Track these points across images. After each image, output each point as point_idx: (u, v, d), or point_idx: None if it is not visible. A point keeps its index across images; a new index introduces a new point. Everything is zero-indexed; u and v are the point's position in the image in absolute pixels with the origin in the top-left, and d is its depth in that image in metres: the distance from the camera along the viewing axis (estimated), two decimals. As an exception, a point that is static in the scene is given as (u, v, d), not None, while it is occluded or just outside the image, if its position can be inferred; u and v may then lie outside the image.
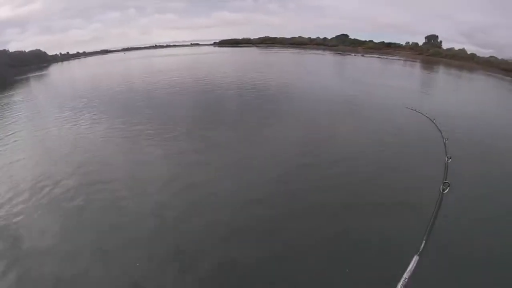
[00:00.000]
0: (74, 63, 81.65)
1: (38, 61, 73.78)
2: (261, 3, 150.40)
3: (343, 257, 5.55)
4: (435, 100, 20.09)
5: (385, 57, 59.93)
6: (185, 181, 8.68)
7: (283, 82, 25.40)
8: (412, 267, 2.29)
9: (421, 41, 69.34)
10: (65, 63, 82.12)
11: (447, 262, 5.15)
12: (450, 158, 5.19)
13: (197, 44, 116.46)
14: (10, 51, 73.26)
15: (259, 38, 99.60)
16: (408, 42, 71.49)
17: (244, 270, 5.36)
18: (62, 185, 8.74)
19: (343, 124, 14.25)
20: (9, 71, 54.59)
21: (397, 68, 45.23)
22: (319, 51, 71.44)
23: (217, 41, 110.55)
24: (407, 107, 15.25)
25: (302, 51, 73.41)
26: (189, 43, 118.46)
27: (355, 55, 63.71)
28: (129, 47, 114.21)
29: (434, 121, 10.02)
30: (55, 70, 62.90)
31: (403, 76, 35.47)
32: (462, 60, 51.69)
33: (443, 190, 3.55)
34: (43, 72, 55.14)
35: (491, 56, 50.04)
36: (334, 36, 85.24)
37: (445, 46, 64.15)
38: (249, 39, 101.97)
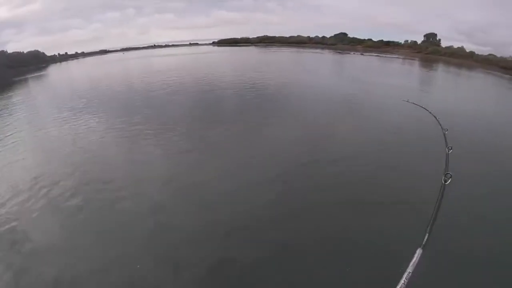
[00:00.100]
0: (72, 63, 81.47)
1: (36, 61, 73.52)
2: (260, 2, 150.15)
3: (346, 253, 5.56)
4: (434, 98, 20.11)
5: (384, 55, 59.90)
6: (184, 180, 8.68)
7: (282, 81, 25.38)
8: (415, 260, 2.30)
9: (420, 39, 69.37)
10: (64, 63, 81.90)
11: (452, 254, 5.17)
12: (451, 149, 5.19)
13: (196, 44, 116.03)
14: (8, 52, 73.14)
15: (258, 37, 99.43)
16: (407, 41, 71.49)
17: (243, 269, 5.36)
18: (61, 185, 8.73)
19: (342, 121, 14.27)
20: (7, 72, 54.48)
21: (396, 66, 45.26)
22: (318, 50, 71.37)
23: (216, 40, 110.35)
24: (403, 100, 15.30)
25: (301, 50, 73.36)
26: (188, 43, 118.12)
27: (354, 53, 63.65)
28: (128, 47, 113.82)
29: (431, 112, 10.07)
30: (53, 70, 62.71)
31: (402, 74, 35.48)
32: (461, 58, 51.69)
33: (445, 181, 3.55)
34: (41, 73, 54.96)
35: (490, 54, 50.09)
36: (333, 35, 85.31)
37: (444, 44, 64.16)
38: (248, 38, 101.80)
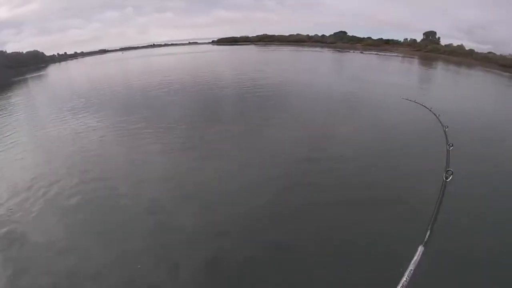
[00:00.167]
0: (72, 63, 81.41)
1: (35, 61, 73.42)
2: (260, 1, 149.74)
3: (347, 253, 5.57)
4: (433, 96, 20.09)
5: (383, 53, 59.81)
6: (184, 180, 8.70)
7: (282, 80, 25.37)
8: (417, 258, 2.29)
9: (419, 37, 69.30)
10: (63, 63, 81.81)
11: (454, 252, 5.16)
12: (452, 146, 5.17)
13: (196, 43, 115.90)
14: (8, 52, 73.03)
15: (257, 36, 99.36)
16: (407, 39, 71.38)
17: (243, 270, 5.37)
18: (61, 185, 8.74)
19: (342, 120, 14.29)
20: (6, 72, 54.47)
21: (396, 64, 45.23)
22: (317, 49, 71.32)
23: (216, 39, 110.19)
24: (402, 98, 15.31)
25: (301, 48, 73.26)
26: (187, 42, 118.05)
27: (353, 52, 63.61)
28: (127, 46, 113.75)
29: (431, 109, 10.08)
30: (53, 70, 62.69)
31: (402, 73, 35.49)
32: (460, 56, 51.63)
33: (446, 178, 3.54)
34: (41, 73, 54.93)
35: (489, 52, 49.96)
36: (332, 33, 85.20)
37: (443, 42, 64.11)
38: (248, 37, 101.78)
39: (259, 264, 5.45)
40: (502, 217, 6.43)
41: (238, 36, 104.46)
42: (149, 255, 5.78)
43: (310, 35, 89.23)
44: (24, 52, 77.05)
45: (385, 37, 74.81)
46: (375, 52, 61.37)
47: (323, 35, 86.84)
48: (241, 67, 37.05)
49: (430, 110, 10.09)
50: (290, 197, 7.62)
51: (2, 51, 71.55)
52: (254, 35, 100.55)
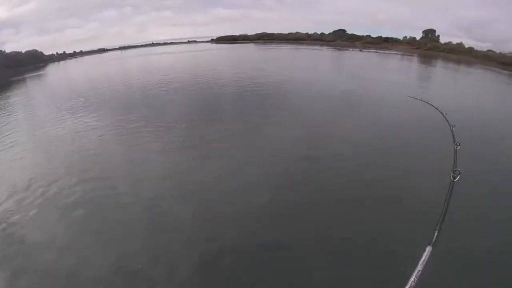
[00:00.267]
0: (71, 62, 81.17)
1: (34, 61, 73.12)
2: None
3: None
4: (433, 94, 20.01)
5: (382, 51, 59.71)
6: (184, 179, 8.69)
7: (281, 79, 25.33)
8: (425, 258, 2.26)
9: (418, 35, 69.07)
10: (62, 62, 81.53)
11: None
12: (459, 145, 5.11)
13: (194, 41, 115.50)
14: (6, 52, 72.75)
15: (257, 34, 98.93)
16: (406, 37, 71.18)
17: (243, 269, 5.36)
18: (60, 184, 8.72)
19: (345, 119, 14.25)
20: (5, 72, 54.29)
21: (395, 62, 45.14)
22: (317, 47, 71.14)
23: (214, 38, 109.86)
24: (408, 96, 15.24)
25: (300, 46, 73.08)
26: (186, 41, 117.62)
27: (353, 50, 63.46)
28: (126, 45, 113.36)
29: (438, 108, 10.03)
30: (52, 70, 62.55)
31: (402, 71, 35.42)
32: (459, 54, 51.48)
33: (454, 178, 3.49)
34: (40, 72, 54.79)
35: (489, 50, 49.85)
36: (331, 31, 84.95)
37: (442, 40, 63.87)
38: (247, 35, 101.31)
39: (259, 263, 5.44)
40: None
41: (237, 34, 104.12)
42: (149, 254, 5.77)
43: (309, 33, 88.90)
44: (23, 51, 76.89)
45: (384, 35, 74.68)
46: (375, 50, 61.29)
47: (322, 33, 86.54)
48: (240, 65, 36.96)
49: (437, 109, 10.02)
50: (290, 196, 7.61)
51: (1, 50, 71.29)
52: (253, 33, 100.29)
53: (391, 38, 73.37)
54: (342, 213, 6.81)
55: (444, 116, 8.92)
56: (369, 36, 76.53)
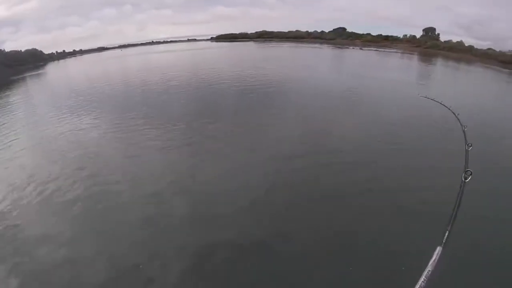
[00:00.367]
0: (70, 61, 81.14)
1: (34, 60, 73.04)
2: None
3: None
4: (432, 94, 19.99)
5: (382, 50, 59.69)
6: (184, 178, 8.67)
7: (282, 77, 25.29)
8: (435, 258, 2.24)
9: (418, 33, 69.10)
10: (62, 61, 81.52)
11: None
12: (471, 146, 5.09)
13: (194, 40, 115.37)
14: (6, 50, 72.67)
15: (256, 32, 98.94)
16: (406, 35, 71.18)
17: (243, 269, 5.36)
18: (60, 183, 8.72)
19: (351, 117, 14.24)
20: (5, 71, 54.17)
21: (395, 61, 45.09)
22: (317, 45, 71.07)
23: (214, 36, 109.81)
24: (420, 95, 15.20)
25: (300, 44, 73.04)
26: (186, 39, 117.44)
27: (353, 48, 63.43)
28: (126, 44, 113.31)
29: (450, 108, 10.03)
30: (51, 68, 62.51)
31: (401, 69, 35.36)
32: (459, 53, 51.46)
33: (465, 178, 3.47)
34: (39, 71, 54.77)
35: (489, 49, 49.89)
36: (331, 29, 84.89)
37: (443, 38, 63.88)
38: (247, 33, 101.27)
39: (259, 263, 5.44)
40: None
41: (237, 32, 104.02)
42: (148, 253, 5.77)
43: (309, 31, 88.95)
44: (23, 50, 76.86)
45: (384, 33, 74.62)
46: (375, 48, 61.25)
47: (322, 32, 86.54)
48: (240, 63, 36.87)
49: (449, 109, 9.98)
50: (290, 195, 7.59)
51: (0, 49, 71.34)
52: (253, 31, 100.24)
53: (391, 36, 73.32)
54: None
55: (456, 117, 8.89)
56: (369, 34, 76.45)
